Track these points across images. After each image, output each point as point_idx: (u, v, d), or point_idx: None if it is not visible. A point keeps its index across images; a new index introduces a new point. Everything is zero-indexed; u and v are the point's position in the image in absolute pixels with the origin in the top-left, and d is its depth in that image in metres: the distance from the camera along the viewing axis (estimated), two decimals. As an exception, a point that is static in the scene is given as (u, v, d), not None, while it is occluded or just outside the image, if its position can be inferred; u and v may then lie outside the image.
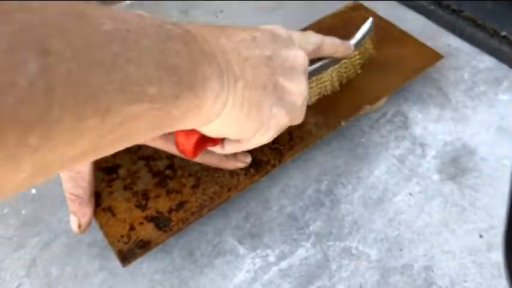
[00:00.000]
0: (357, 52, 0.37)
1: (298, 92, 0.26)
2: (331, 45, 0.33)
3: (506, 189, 0.34)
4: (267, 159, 0.33)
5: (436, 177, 0.35)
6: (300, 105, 0.27)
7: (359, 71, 0.39)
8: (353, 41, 0.36)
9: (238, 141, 0.28)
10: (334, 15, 0.44)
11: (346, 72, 0.37)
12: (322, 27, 0.42)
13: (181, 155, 0.28)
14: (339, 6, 0.45)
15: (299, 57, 0.27)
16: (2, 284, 0.30)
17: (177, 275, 0.30)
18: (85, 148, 0.16)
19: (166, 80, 0.18)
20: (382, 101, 0.39)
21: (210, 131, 0.24)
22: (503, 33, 0.43)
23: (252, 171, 0.32)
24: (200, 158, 0.31)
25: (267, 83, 0.24)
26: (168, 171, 0.33)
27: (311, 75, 0.34)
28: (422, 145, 0.37)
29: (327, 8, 0.45)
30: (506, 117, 0.39)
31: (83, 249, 0.32)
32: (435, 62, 0.40)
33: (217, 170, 0.32)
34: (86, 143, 0.15)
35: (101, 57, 0.15)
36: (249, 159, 0.32)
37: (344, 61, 0.36)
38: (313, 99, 0.36)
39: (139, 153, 0.34)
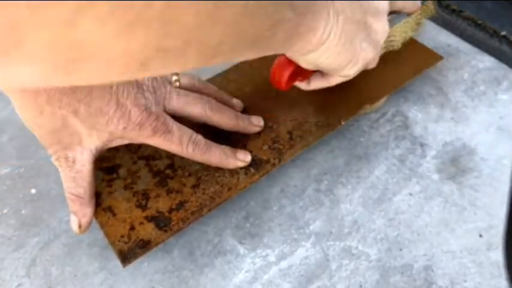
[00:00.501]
0: (419, 11, 0.38)
1: (382, 31, 0.30)
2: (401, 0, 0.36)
3: (506, 189, 0.34)
4: (266, 158, 0.33)
5: (436, 177, 0.35)
6: (381, 44, 0.31)
7: (419, 31, 0.39)
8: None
9: (324, 77, 0.32)
10: None
11: (405, 32, 0.38)
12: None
13: (275, 87, 0.32)
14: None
15: (383, 2, 0.31)
16: (2, 284, 0.30)
17: (177, 274, 0.30)
18: (255, 36, 0.19)
19: (297, 3, 0.21)
20: (382, 101, 0.39)
21: (309, 60, 0.28)
22: (503, 33, 0.43)
23: (252, 170, 0.32)
24: (201, 157, 0.31)
25: (361, 20, 0.28)
26: (168, 171, 0.33)
27: None
28: (422, 145, 0.37)
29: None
30: (506, 117, 0.39)
31: (83, 249, 0.32)
32: (435, 63, 0.40)
33: (217, 169, 0.33)
34: (260, 30, 0.19)
35: None
36: (248, 158, 0.33)
37: (406, 19, 0.38)
38: (381, 51, 0.37)
39: (140, 153, 0.34)
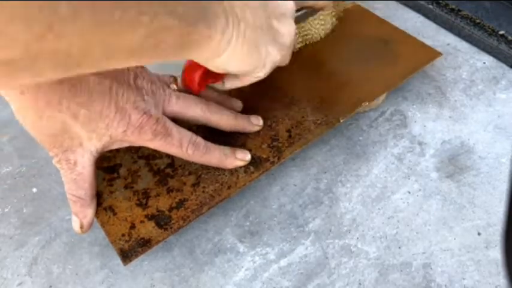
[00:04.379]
0: (332, 5, 0.40)
1: (288, 33, 0.30)
2: None
3: (504, 187, 0.34)
4: (266, 157, 0.33)
5: (434, 175, 0.35)
6: (288, 46, 0.31)
7: (335, 24, 0.42)
8: None
9: (237, 77, 0.32)
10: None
11: (323, 24, 0.41)
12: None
13: (188, 89, 0.32)
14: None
15: (288, 4, 0.30)
16: (3, 283, 0.30)
17: (178, 272, 0.31)
18: (133, 44, 0.18)
19: (189, 5, 0.21)
20: (381, 99, 0.39)
21: (215, 65, 0.27)
22: (501, 32, 0.44)
23: (252, 169, 0.33)
24: (201, 158, 0.31)
25: (264, 25, 0.28)
26: (168, 170, 0.33)
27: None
28: (420, 143, 0.37)
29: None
30: (504, 116, 0.39)
31: (84, 247, 0.32)
32: (434, 59, 0.40)
33: (217, 168, 0.33)
34: (135, 38, 0.18)
35: None
36: (248, 157, 0.33)
37: (321, 13, 0.40)
38: (298, 45, 0.41)
39: (140, 153, 0.34)
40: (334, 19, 0.42)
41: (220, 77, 0.32)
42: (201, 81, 0.31)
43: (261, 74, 0.30)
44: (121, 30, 0.17)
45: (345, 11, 0.44)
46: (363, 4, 0.46)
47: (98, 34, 0.17)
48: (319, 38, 0.41)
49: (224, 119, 0.33)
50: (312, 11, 0.39)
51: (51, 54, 0.16)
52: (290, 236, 0.32)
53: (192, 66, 0.31)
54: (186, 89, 0.33)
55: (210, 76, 0.32)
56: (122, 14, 0.17)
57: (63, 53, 0.16)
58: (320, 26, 0.41)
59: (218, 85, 0.33)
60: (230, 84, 0.33)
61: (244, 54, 0.27)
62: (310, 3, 0.37)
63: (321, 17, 0.40)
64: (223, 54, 0.26)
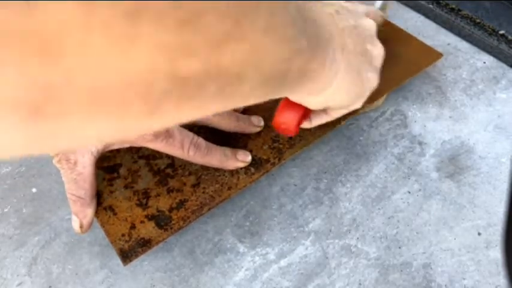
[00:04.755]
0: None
1: (379, 55, 0.29)
2: (374, 13, 0.35)
3: (504, 187, 0.34)
4: (266, 157, 0.33)
5: (434, 175, 0.35)
6: (379, 68, 0.29)
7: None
8: (376, 7, 0.37)
9: (325, 112, 0.30)
10: None
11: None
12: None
13: (279, 132, 0.30)
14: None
15: (372, 24, 0.29)
16: (3, 283, 0.30)
17: (178, 273, 0.31)
18: (273, 65, 0.16)
19: (313, 29, 0.19)
20: (381, 100, 0.39)
21: (318, 101, 0.26)
22: (502, 32, 0.44)
23: (252, 170, 0.33)
24: (202, 159, 0.31)
25: (362, 50, 0.27)
26: (168, 170, 0.33)
27: None
28: (421, 143, 0.37)
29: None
30: (504, 116, 0.39)
31: (84, 247, 0.32)
32: (435, 60, 0.40)
33: (217, 168, 0.33)
34: (279, 56, 0.16)
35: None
36: (249, 159, 0.33)
37: None
38: None
39: (140, 152, 0.34)
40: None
41: (308, 114, 0.30)
42: (298, 123, 0.29)
43: (359, 104, 0.29)
44: (277, 42, 0.16)
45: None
46: (364, 4, 0.45)
47: (265, 41, 0.15)
48: None
49: (225, 120, 0.33)
50: None
51: (217, 73, 0.13)
52: (290, 236, 0.32)
53: (287, 107, 0.28)
54: (280, 133, 0.30)
55: (306, 115, 0.29)
56: (282, 19, 0.15)
57: (226, 72, 0.14)
58: None
59: (306, 124, 0.31)
60: (318, 121, 0.31)
61: (349, 84, 0.25)
62: (371, 18, 0.35)
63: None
64: (330, 87, 0.24)
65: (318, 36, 0.21)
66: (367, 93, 0.28)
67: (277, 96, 0.20)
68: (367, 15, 0.33)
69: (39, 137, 0.11)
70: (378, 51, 0.28)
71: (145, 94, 0.12)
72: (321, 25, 0.22)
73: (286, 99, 0.28)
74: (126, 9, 0.10)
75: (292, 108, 0.28)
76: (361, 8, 0.32)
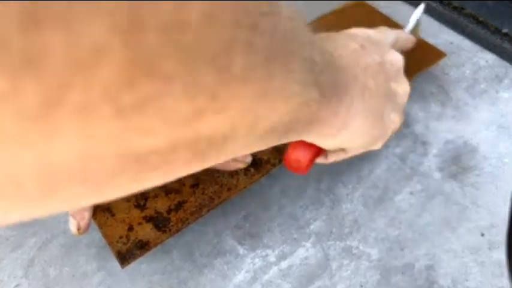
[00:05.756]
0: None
1: (405, 93, 0.26)
2: (404, 39, 0.32)
3: (508, 187, 0.34)
4: (266, 158, 0.33)
5: (437, 175, 0.35)
6: (404, 107, 0.27)
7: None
8: (408, 29, 0.35)
9: (343, 151, 0.27)
10: (335, 13, 0.44)
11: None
12: (323, 24, 0.42)
13: (293, 171, 0.27)
14: (340, 3, 0.45)
15: (399, 59, 0.26)
16: (0, 285, 0.30)
17: (176, 275, 0.30)
18: (275, 122, 0.14)
19: (328, 76, 0.17)
20: (383, 99, 0.38)
21: (333, 143, 0.23)
22: (505, 31, 0.43)
23: (252, 170, 0.32)
24: None
25: (386, 91, 0.24)
26: (166, 171, 0.32)
27: None
28: (423, 143, 0.37)
29: (328, 6, 0.44)
30: (507, 115, 0.39)
31: (81, 249, 0.31)
32: (438, 60, 0.39)
33: (216, 169, 0.32)
34: (281, 113, 0.14)
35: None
36: (249, 159, 0.32)
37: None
38: None
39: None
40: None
41: (323, 151, 0.27)
42: (310, 163, 0.27)
43: (380, 145, 0.26)
44: (275, 101, 0.13)
45: (353, 16, 0.43)
46: (367, 2, 0.45)
47: (253, 109, 0.12)
48: None
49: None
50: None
51: (191, 143, 0.11)
52: (290, 237, 0.32)
53: (298, 146, 0.26)
54: (292, 170, 0.28)
55: (319, 153, 0.27)
56: (285, 79, 0.13)
57: (205, 139, 0.12)
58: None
59: (321, 159, 0.28)
60: (335, 158, 0.28)
61: (367, 128, 0.23)
62: (402, 46, 0.32)
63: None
64: (345, 131, 0.22)
65: (335, 84, 0.19)
66: (389, 135, 0.26)
67: (282, 143, 0.18)
68: (396, 42, 0.30)
69: None
70: (403, 89, 0.26)
71: (83, 177, 0.10)
72: (341, 69, 0.20)
73: None
74: (23, 109, 0.08)
75: (304, 147, 0.26)
76: (389, 35, 0.29)
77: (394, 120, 0.26)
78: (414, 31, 0.37)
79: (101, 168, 0.10)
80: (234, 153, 0.15)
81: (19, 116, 0.08)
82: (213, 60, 0.10)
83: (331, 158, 0.28)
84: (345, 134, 0.22)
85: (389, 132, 0.26)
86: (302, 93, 0.15)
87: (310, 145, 0.25)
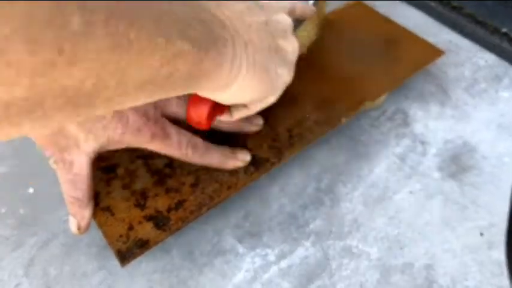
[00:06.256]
0: (314, 14, 0.37)
1: (293, 50, 0.28)
2: (301, 7, 0.34)
3: (507, 187, 0.34)
4: (266, 157, 0.33)
5: (436, 175, 0.35)
6: (294, 63, 0.29)
7: (318, 34, 0.40)
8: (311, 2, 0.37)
9: (245, 106, 0.29)
10: (334, 13, 0.44)
11: (308, 36, 0.39)
12: (323, 24, 0.42)
13: (193, 127, 0.29)
14: (338, 4, 0.45)
15: (286, 19, 0.28)
16: (0, 284, 0.30)
17: (176, 274, 0.30)
18: (147, 74, 0.16)
19: (200, 30, 0.19)
20: (383, 98, 0.38)
21: (224, 97, 0.25)
22: (504, 30, 0.43)
23: (252, 169, 0.32)
24: (201, 159, 0.31)
25: (271, 45, 0.26)
26: (167, 170, 0.32)
27: None
28: (422, 143, 0.37)
29: (328, 6, 0.44)
30: (506, 115, 0.39)
31: (81, 248, 0.31)
32: (436, 57, 0.39)
33: (216, 168, 0.32)
34: (150, 65, 0.16)
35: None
36: (248, 158, 0.32)
37: (305, 23, 0.37)
38: None
39: (138, 152, 0.33)
40: (317, 29, 0.40)
41: (226, 107, 0.30)
42: (209, 116, 0.28)
43: (273, 99, 0.28)
44: (137, 54, 0.15)
45: (351, 16, 0.43)
46: (366, 2, 0.45)
47: (113, 61, 0.14)
48: (306, 50, 0.39)
49: (224, 119, 0.33)
50: (296, 23, 0.36)
51: (60, 91, 0.13)
52: (290, 237, 0.32)
53: (197, 102, 0.28)
54: (193, 127, 0.29)
55: (218, 109, 0.29)
56: (137, 34, 0.15)
57: (73, 88, 0.14)
58: (307, 37, 0.39)
59: (226, 117, 0.30)
60: (239, 114, 0.30)
61: (255, 81, 0.25)
62: (298, 13, 0.34)
63: (307, 28, 0.38)
64: (234, 84, 0.24)
65: (213, 36, 0.20)
66: (280, 88, 0.28)
67: (173, 95, 0.20)
68: (292, 10, 0.32)
69: None
70: (291, 46, 0.28)
71: None
72: (221, 25, 0.22)
73: (195, 93, 0.27)
74: None
75: (201, 101, 0.28)
76: (282, 3, 0.31)
77: (282, 74, 0.27)
78: (319, 6, 0.38)
79: None
80: (118, 103, 0.17)
81: None
82: (48, 20, 0.12)
83: (236, 115, 0.30)
84: (234, 88, 0.24)
85: (279, 86, 0.27)
86: (166, 47, 0.17)
87: (208, 100, 0.27)
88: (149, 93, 0.18)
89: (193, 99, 0.28)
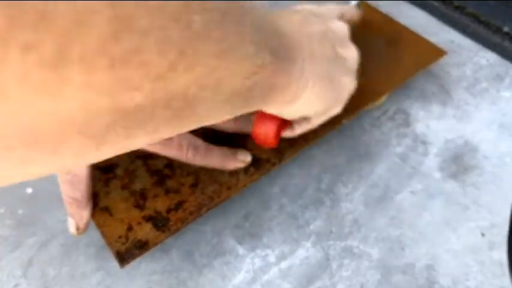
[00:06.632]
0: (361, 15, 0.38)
1: (354, 57, 0.28)
2: (349, 11, 0.34)
3: (509, 187, 0.34)
4: (267, 157, 0.33)
5: (438, 175, 0.35)
6: (356, 70, 0.28)
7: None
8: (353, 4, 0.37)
9: (306, 120, 0.29)
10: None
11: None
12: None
13: (262, 146, 0.29)
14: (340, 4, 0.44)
15: (343, 27, 0.28)
16: (-2, 285, 0.30)
17: (176, 275, 0.30)
18: (236, 83, 0.16)
19: (277, 41, 0.19)
20: (384, 98, 0.38)
21: (291, 112, 0.25)
22: (506, 30, 0.43)
23: (252, 169, 0.32)
24: (201, 161, 0.31)
25: (331, 55, 0.26)
26: (166, 170, 0.32)
27: None
28: (424, 143, 0.37)
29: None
30: (508, 114, 0.38)
31: (80, 249, 0.31)
32: (438, 58, 0.39)
33: (216, 168, 0.32)
34: (241, 74, 0.16)
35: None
36: (249, 159, 0.32)
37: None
38: None
39: (137, 152, 0.33)
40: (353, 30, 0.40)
41: (289, 123, 0.29)
42: (277, 134, 0.28)
43: (336, 110, 0.28)
44: (234, 62, 0.15)
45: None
46: (338, 3, 0.45)
47: (218, 67, 0.14)
48: None
49: (225, 121, 0.32)
50: None
51: (168, 100, 0.13)
52: (290, 237, 0.32)
53: (263, 120, 0.27)
54: (261, 146, 0.29)
55: (284, 124, 0.29)
56: (240, 39, 0.14)
57: (180, 96, 0.13)
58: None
59: (287, 133, 0.30)
60: (301, 129, 0.30)
61: (322, 92, 0.25)
62: (348, 18, 0.34)
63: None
64: (301, 98, 0.23)
65: (284, 47, 0.20)
66: (344, 98, 0.28)
67: (247, 111, 0.19)
68: (342, 15, 0.32)
69: None
70: (351, 53, 0.28)
71: (85, 130, 0.12)
72: (286, 35, 0.21)
73: (260, 110, 0.27)
74: (44, 58, 0.10)
75: (269, 119, 0.27)
76: (333, 10, 0.31)
77: (346, 82, 0.27)
78: (360, 6, 0.39)
79: (98, 121, 0.12)
80: (207, 118, 0.16)
81: (41, 64, 0.10)
82: (176, 17, 0.11)
83: (297, 130, 0.30)
84: (301, 100, 0.24)
85: (344, 95, 0.27)
86: (256, 55, 0.16)
87: (274, 117, 0.27)
88: (231, 108, 0.17)
89: (259, 116, 0.28)
